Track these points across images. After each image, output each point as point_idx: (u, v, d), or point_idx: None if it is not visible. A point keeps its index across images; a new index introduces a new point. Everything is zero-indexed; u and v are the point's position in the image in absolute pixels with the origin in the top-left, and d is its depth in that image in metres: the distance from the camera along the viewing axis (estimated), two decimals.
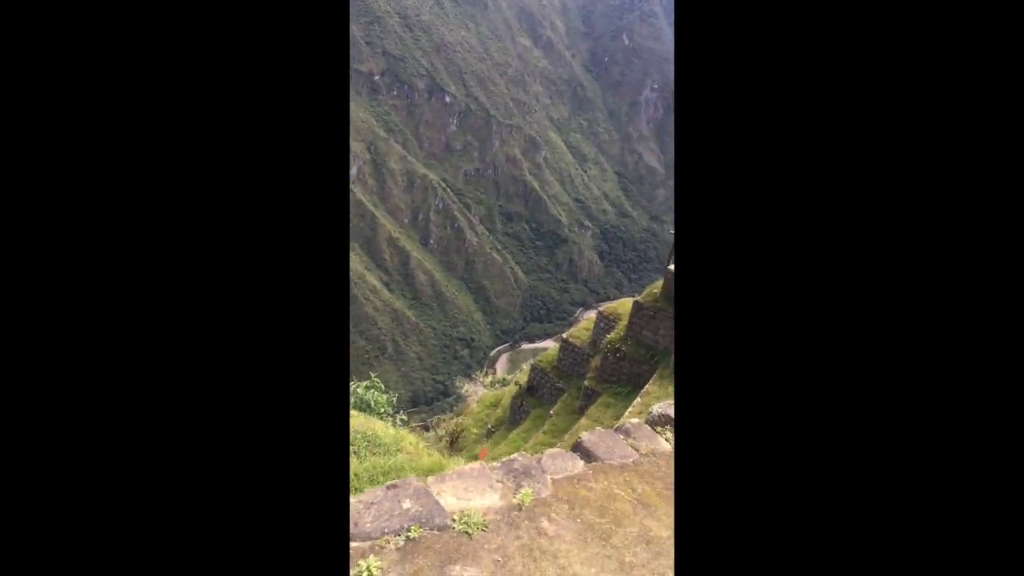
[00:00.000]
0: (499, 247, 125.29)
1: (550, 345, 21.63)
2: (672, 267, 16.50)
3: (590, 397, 16.44)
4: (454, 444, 19.08)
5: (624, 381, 16.34)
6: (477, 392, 27.35)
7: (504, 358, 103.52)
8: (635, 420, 3.82)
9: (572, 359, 20.04)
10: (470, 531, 2.63)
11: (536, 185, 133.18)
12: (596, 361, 17.77)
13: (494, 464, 3.23)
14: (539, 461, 3.32)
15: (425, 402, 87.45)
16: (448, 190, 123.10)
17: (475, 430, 21.14)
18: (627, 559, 2.57)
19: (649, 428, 3.77)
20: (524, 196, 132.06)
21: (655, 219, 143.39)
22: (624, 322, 17.44)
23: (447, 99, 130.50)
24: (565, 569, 2.49)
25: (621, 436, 3.63)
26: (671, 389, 13.89)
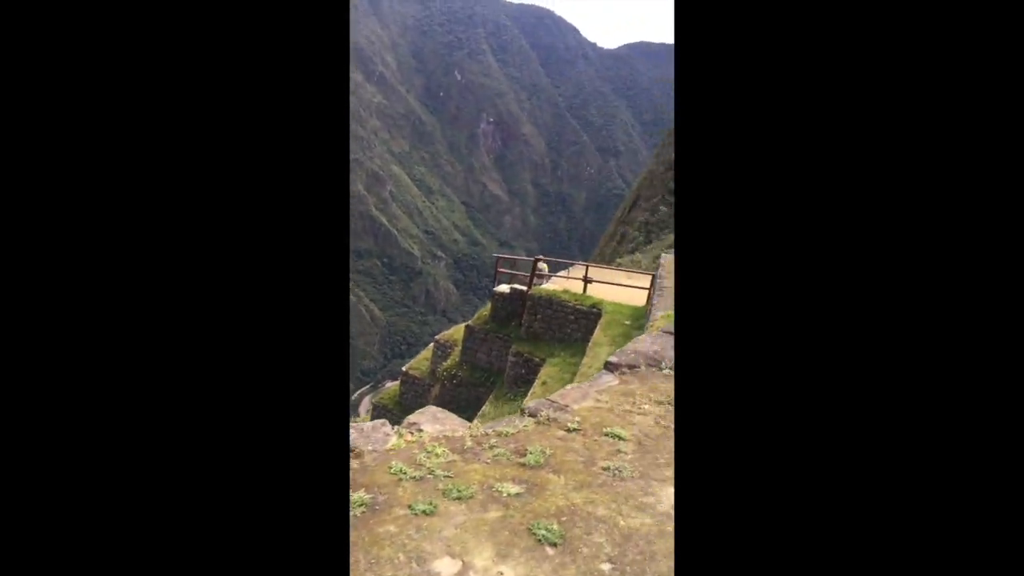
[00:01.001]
0: (352, 286, 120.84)
1: None
2: (497, 288, 16.86)
3: None
4: None
5: (464, 407, 16.24)
6: None
7: (367, 400, 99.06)
8: (373, 423, 3.68)
9: (413, 391, 19.56)
10: None
11: (384, 220, 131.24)
12: (436, 390, 17.50)
13: None
14: None
15: None
16: None
17: None
18: None
19: (389, 428, 3.65)
20: (373, 232, 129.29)
21: (504, 244, 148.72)
22: (460, 348, 17.43)
23: None
24: None
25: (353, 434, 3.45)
26: (506, 408, 13.99)
